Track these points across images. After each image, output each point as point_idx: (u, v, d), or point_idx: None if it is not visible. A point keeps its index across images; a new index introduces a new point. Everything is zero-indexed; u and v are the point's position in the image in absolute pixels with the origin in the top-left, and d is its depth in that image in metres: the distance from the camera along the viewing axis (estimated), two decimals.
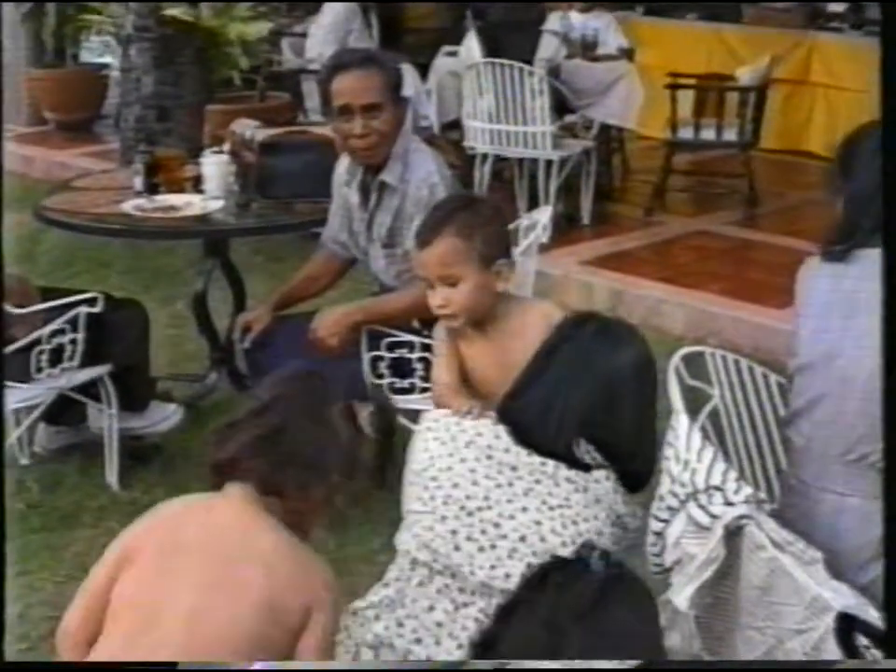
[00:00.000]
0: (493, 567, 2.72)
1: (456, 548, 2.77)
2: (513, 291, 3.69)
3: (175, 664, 2.40)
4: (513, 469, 2.83)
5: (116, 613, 2.48)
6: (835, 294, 2.96)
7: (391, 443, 4.31)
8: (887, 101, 2.17)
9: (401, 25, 10.79)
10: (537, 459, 2.83)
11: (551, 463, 2.82)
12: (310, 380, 2.69)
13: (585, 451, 2.83)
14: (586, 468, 2.82)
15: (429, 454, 2.93)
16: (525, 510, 2.77)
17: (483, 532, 2.76)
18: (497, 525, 2.76)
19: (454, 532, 2.79)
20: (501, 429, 2.89)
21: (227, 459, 2.54)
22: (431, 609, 2.78)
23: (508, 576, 2.69)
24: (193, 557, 2.46)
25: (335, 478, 2.51)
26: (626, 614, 2.33)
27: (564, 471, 2.81)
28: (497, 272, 3.44)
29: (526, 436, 2.86)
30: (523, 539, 2.73)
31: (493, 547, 2.74)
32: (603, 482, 2.82)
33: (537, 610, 2.38)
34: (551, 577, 2.43)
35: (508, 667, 2.20)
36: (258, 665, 2.35)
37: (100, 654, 2.46)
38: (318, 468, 2.50)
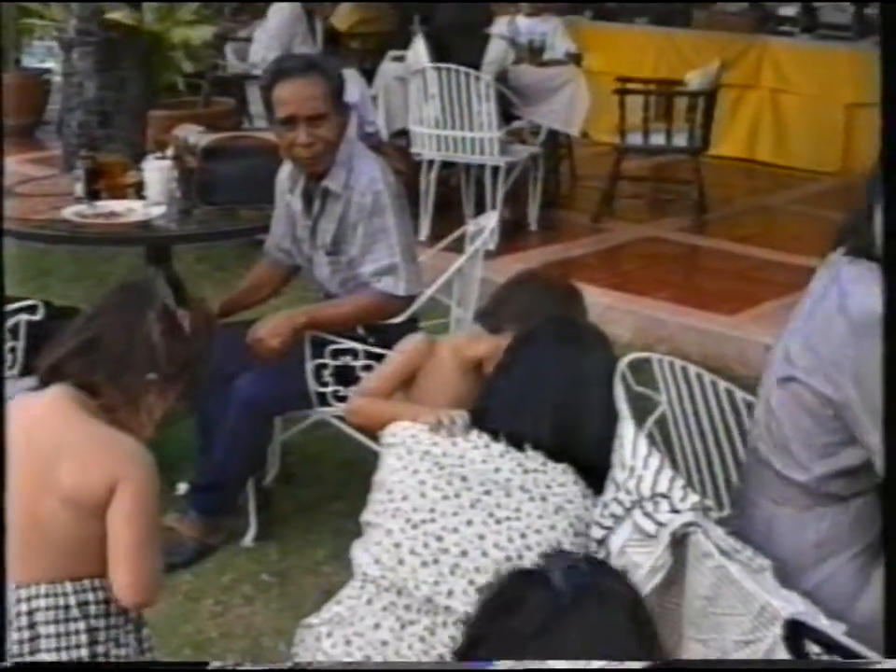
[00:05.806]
0: (436, 583, 2.68)
1: (401, 562, 2.73)
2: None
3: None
4: (463, 479, 2.80)
5: None
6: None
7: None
8: (887, 105, 2.14)
9: (347, 30, 10.72)
10: (490, 467, 2.80)
11: (505, 470, 2.79)
12: (130, 289, 2.82)
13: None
14: (557, 459, 2.81)
15: (388, 466, 2.90)
16: (469, 523, 2.73)
17: (426, 546, 2.72)
18: (439, 539, 2.72)
19: (397, 545, 2.75)
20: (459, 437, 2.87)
21: (47, 367, 2.66)
22: (377, 626, 2.72)
23: (451, 592, 2.65)
24: (17, 464, 2.51)
25: (149, 376, 2.62)
26: (589, 632, 2.20)
27: (518, 479, 2.78)
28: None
29: (503, 429, 2.86)
30: (464, 553, 2.69)
31: (435, 562, 2.70)
32: (570, 486, 2.79)
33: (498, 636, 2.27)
34: (506, 597, 2.34)
35: (518, 668, 2.09)
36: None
37: None
38: (127, 363, 2.61)
